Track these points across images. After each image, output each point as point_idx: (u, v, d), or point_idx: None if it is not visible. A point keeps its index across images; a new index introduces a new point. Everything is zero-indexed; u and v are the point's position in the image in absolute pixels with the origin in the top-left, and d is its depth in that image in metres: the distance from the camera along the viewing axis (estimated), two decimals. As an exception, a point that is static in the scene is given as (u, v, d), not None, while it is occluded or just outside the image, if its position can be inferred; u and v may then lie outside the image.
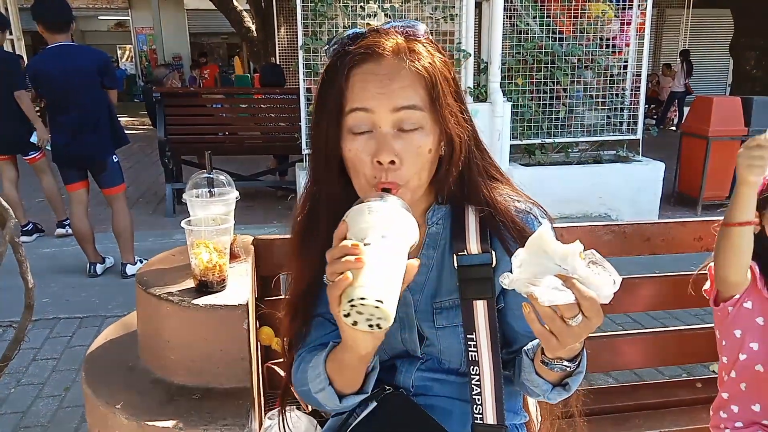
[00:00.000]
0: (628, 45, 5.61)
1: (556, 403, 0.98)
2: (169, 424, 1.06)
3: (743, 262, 1.32)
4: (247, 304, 1.16)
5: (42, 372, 2.86)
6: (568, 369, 0.88)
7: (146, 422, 1.06)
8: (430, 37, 0.95)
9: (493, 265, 0.97)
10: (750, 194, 1.27)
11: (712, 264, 1.40)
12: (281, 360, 1.38)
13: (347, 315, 0.73)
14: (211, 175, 1.29)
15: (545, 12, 5.33)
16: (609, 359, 1.69)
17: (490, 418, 0.96)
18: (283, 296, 1.29)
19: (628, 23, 5.54)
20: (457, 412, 1.03)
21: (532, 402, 1.21)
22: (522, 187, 1.05)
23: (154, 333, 1.23)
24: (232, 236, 1.29)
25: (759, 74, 8.66)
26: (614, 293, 0.75)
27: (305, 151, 4.91)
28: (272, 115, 6.29)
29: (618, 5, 5.47)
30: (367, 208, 0.78)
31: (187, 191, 1.26)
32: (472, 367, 0.97)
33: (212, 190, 1.28)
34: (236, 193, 1.29)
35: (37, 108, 4.87)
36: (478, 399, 0.97)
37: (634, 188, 5.41)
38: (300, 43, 4.80)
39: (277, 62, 10.36)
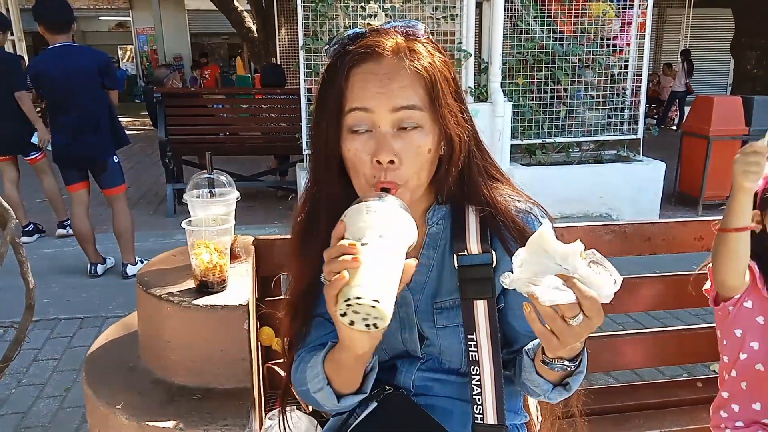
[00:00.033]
0: (628, 44, 5.61)
1: (557, 403, 0.98)
2: (170, 424, 1.06)
3: (741, 267, 1.32)
4: (248, 305, 1.16)
5: (43, 372, 2.86)
6: (568, 369, 0.88)
7: (147, 423, 1.06)
8: (430, 37, 0.95)
9: (494, 265, 0.97)
10: (746, 200, 1.27)
11: (711, 264, 1.40)
12: (281, 360, 1.38)
13: (344, 314, 0.73)
14: (211, 176, 1.29)
15: (546, 12, 5.33)
16: (610, 359, 1.69)
17: (491, 418, 0.96)
18: (283, 296, 1.29)
19: (629, 23, 5.54)
20: (457, 412, 1.03)
21: (532, 402, 1.21)
22: (523, 187, 1.05)
23: (154, 333, 1.23)
24: (232, 236, 1.29)
25: (760, 74, 8.66)
26: (615, 293, 0.75)
27: (306, 151, 4.91)
28: (273, 116, 6.29)
29: (618, 5, 5.47)
30: (365, 208, 0.78)
31: (187, 191, 1.26)
32: (472, 367, 0.97)
33: (213, 190, 1.28)
34: (237, 194, 1.29)
35: (38, 108, 4.88)
36: (479, 399, 0.97)
37: (635, 188, 5.41)
38: (301, 43, 4.80)
39: (278, 62, 10.36)
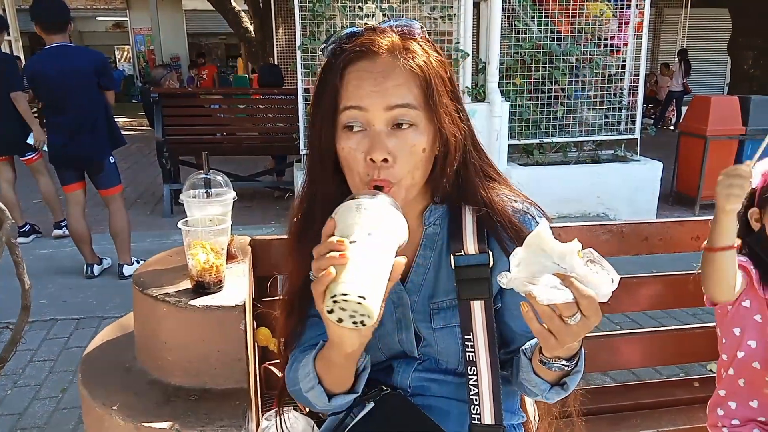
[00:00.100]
0: (626, 44, 5.62)
1: (554, 403, 0.98)
2: (166, 425, 1.05)
3: (729, 283, 1.34)
4: (244, 305, 1.16)
5: (39, 373, 2.85)
6: (566, 368, 0.88)
7: (143, 423, 1.06)
8: (427, 36, 0.95)
9: (491, 266, 0.97)
10: (729, 221, 1.28)
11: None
12: (278, 361, 1.37)
13: (331, 311, 0.73)
14: (208, 176, 1.28)
15: (543, 12, 5.34)
16: (607, 359, 1.69)
17: (488, 419, 0.96)
18: (280, 297, 1.29)
19: (626, 23, 5.55)
20: (454, 413, 1.02)
21: (529, 402, 1.21)
22: (520, 187, 1.05)
23: (151, 334, 1.23)
24: (229, 237, 1.28)
25: (757, 73, 8.68)
26: (612, 292, 0.74)
27: (303, 151, 4.91)
28: (270, 116, 6.28)
29: (616, 5, 5.48)
30: (355, 205, 0.78)
31: (184, 192, 1.26)
32: (469, 367, 0.97)
33: (209, 190, 1.28)
34: (233, 194, 1.28)
35: (35, 109, 4.86)
36: (476, 399, 0.97)
37: (632, 188, 5.42)
38: (298, 43, 4.80)
39: (276, 62, 10.36)
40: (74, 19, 3.97)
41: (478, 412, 0.97)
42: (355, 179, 0.91)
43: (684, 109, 6.94)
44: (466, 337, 0.97)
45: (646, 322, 3.29)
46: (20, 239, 4.70)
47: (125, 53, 20.66)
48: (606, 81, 5.56)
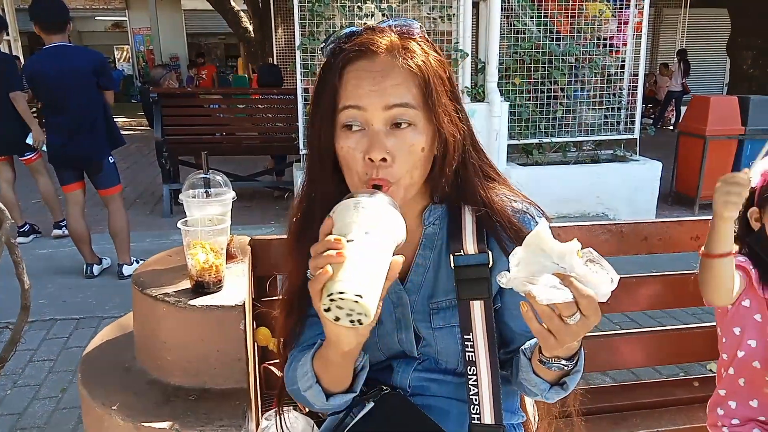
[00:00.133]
0: (625, 44, 5.62)
1: (554, 403, 0.98)
2: (166, 425, 1.05)
3: (727, 288, 1.34)
4: (244, 305, 1.16)
5: (38, 373, 2.85)
6: (565, 368, 0.88)
7: (142, 423, 1.06)
8: (426, 35, 0.95)
9: (490, 266, 0.97)
10: (726, 228, 1.28)
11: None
12: (278, 360, 1.37)
13: (328, 310, 0.73)
14: (207, 176, 1.28)
15: (542, 12, 5.34)
16: (606, 358, 1.69)
17: (488, 418, 0.96)
18: (279, 296, 1.29)
19: (626, 23, 5.55)
20: (454, 412, 1.02)
21: (529, 402, 1.21)
22: (519, 187, 1.05)
23: (150, 334, 1.23)
24: (228, 237, 1.28)
25: (756, 73, 8.68)
26: (612, 292, 0.74)
27: (302, 151, 4.91)
28: (270, 116, 6.28)
29: (615, 5, 5.48)
30: (353, 204, 0.78)
31: (183, 192, 1.26)
32: (469, 367, 0.97)
33: (209, 190, 1.28)
34: (233, 194, 1.28)
35: (34, 109, 4.86)
36: (476, 399, 0.97)
37: (632, 188, 5.42)
38: (297, 43, 4.79)
39: (275, 62, 10.36)
40: (73, 19, 3.96)
41: (478, 411, 0.96)
42: (354, 178, 0.91)
43: (683, 109, 6.93)
44: (465, 337, 0.97)
45: (645, 321, 3.29)
46: (20, 239, 4.69)
47: (124, 53, 20.65)
48: (605, 81, 5.57)
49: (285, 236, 1.05)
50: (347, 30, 0.92)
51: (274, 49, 11.24)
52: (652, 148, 6.27)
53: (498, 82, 5.12)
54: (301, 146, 4.97)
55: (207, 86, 13.49)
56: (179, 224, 1.16)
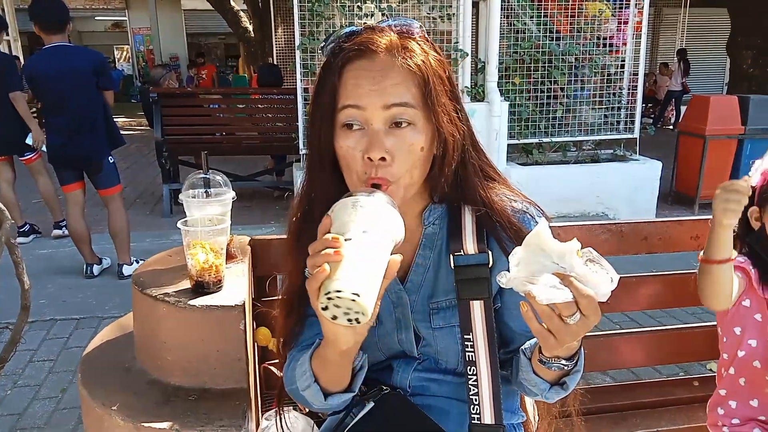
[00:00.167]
0: (625, 44, 5.62)
1: (554, 403, 0.98)
2: (166, 425, 1.05)
3: (726, 293, 1.34)
4: (244, 305, 1.16)
5: (38, 373, 2.85)
6: (565, 368, 0.88)
7: (142, 423, 1.06)
8: (426, 35, 0.95)
9: (490, 266, 0.97)
10: (726, 235, 1.28)
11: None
12: (278, 360, 1.37)
13: (325, 308, 0.73)
14: (207, 176, 1.28)
15: (542, 11, 5.34)
16: (606, 358, 1.69)
17: (488, 418, 0.96)
18: (279, 296, 1.29)
19: (625, 22, 5.55)
20: (454, 412, 1.02)
21: (529, 401, 1.21)
22: (519, 187, 1.05)
23: (150, 334, 1.23)
24: (228, 237, 1.28)
25: (755, 73, 8.68)
26: (612, 291, 0.74)
27: (302, 150, 4.91)
28: (269, 116, 6.28)
29: (615, 4, 5.48)
30: (351, 203, 0.78)
31: (183, 192, 1.26)
32: (469, 367, 0.97)
33: (208, 190, 1.27)
34: (233, 194, 1.28)
35: (34, 109, 4.86)
36: (476, 399, 0.97)
37: (632, 187, 5.42)
38: (297, 43, 4.79)
39: (275, 62, 10.36)
40: (73, 18, 3.96)
41: (478, 411, 0.96)
42: (353, 178, 0.91)
43: (683, 108, 6.93)
44: (465, 336, 0.97)
45: (645, 321, 3.29)
46: (20, 239, 4.69)
47: (124, 53, 20.64)
48: (605, 80, 5.56)
49: (285, 236, 1.05)
50: (347, 29, 0.92)
51: (274, 49, 11.24)
52: (652, 148, 6.26)
53: (498, 82, 5.12)
54: (301, 146, 4.97)
55: (207, 86, 13.49)
56: (179, 224, 1.16)
